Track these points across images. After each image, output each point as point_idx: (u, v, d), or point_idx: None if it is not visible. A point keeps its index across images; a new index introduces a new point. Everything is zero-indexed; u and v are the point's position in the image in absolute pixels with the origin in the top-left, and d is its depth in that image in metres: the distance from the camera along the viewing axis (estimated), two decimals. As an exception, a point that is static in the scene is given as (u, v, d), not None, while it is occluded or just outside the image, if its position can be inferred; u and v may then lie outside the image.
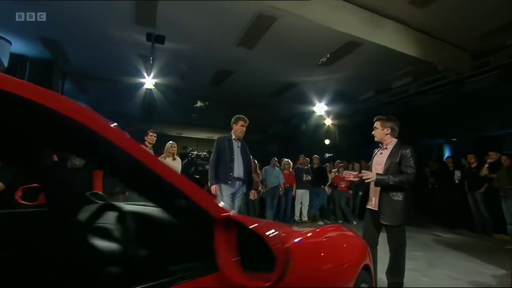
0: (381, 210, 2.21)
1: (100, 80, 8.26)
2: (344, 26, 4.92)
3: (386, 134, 2.31)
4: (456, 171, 5.98)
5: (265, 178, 5.82)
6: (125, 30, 5.54)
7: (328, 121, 9.44)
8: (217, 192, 3.01)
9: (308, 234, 1.08)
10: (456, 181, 5.96)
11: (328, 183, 6.36)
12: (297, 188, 6.09)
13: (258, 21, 5.14)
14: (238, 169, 3.06)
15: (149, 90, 7.72)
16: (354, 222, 5.88)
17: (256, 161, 5.86)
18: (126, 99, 8.82)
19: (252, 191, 3.30)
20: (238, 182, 3.09)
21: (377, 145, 2.46)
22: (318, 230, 1.28)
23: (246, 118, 3.18)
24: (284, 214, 6.02)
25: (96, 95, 9.75)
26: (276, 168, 5.97)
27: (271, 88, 8.52)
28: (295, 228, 1.41)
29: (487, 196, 5.19)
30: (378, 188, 2.22)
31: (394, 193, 2.16)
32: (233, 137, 3.18)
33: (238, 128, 3.14)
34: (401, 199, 2.15)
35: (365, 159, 6.15)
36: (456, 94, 6.78)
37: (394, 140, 2.31)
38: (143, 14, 5.09)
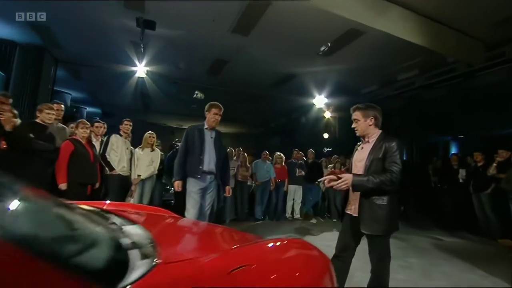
0: (362, 216, 1.83)
1: (93, 67, 8.01)
2: (345, 11, 4.51)
3: (370, 126, 1.93)
4: (460, 170, 5.56)
5: (255, 172, 5.52)
6: (116, 15, 5.24)
7: (328, 114, 9.02)
8: (180, 188, 2.71)
9: (243, 255, 0.76)
10: (461, 181, 5.55)
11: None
12: (290, 183, 5.77)
13: (252, 4, 4.78)
14: (209, 162, 2.74)
15: (141, 78, 7.44)
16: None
17: (246, 154, 5.58)
18: (120, 88, 8.60)
19: (227, 187, 2.97)
20: (209, 177, 2.77)
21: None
22: (265, 245, 0.95)
23: (220, 106, 2.85)
24: (275, 211, 5.72)
25: (91, 84, 9.54)
26: (267, 162, 5.66)
27: (270, 78, 8.14)
28: (240, 243, 1.08)
29: (493, 197, 4.79)
30: None
31: (377, 196, 1.78)
32: (206, 126, 2.86)
33: (211, 117, 2.81)
34: (385, 203, 1.76)
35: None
36: (466, 88, 6.29)
37: (378, 132, 1.95)
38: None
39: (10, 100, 2.48)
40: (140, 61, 6.96)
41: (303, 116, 10.30)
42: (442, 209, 5.82)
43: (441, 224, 5.59)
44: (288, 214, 5.85)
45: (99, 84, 9.40)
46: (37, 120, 2.88)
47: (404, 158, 9.67)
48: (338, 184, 1.77)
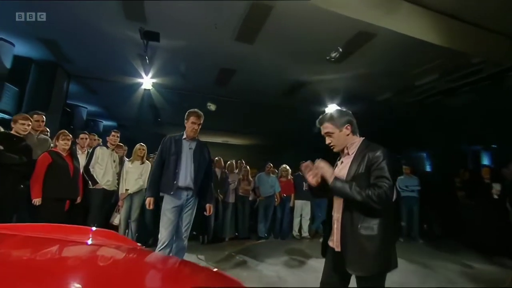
0: (345, 252, 1.40)
1: (103, 81, 8.16)
2: (353, 11, 4.20)
3: (347, 135, 1.53)
4: (494, 184, 4.85)
5: (258, 186, 5.13)
6: (119, 27, 5.24)
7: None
8: (152, 206, 2.40)
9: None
10: (495, 196, 4.83)
11: (334, 194, 5.51)
12: (296, 198, 5.32)
13: (253, 10, 4.57)
14: (185, 177, 2.42)
15: (147, 91, 7.44)
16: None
17: (248, 167, 5.24)
18: (130, 101, 8.72)
19: (208, 205, 2.63)
20: (185, 193, 2.44)
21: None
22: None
23: (199, 113, 2.55)
24: (280, 228, 5.26)
25: (104, 97, 9.76)
26: (272, 175, 5.26)
27: (280, 87, 7.88)
28: None
29: (536, 217, 4.08)
30: (340, 215, 1.45)
31: (365, 224, 1.34)
32: (184, 136, 2.56)
33: (189, 126, 2.51)
34: (375, 233, 1.33)
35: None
36: (495, 90, 5.63)
37: (358, 140, 1.54)
38: (131, 7, 4.73)
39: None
40: (146, 73, 6.97)
41: (317, 125, 9.87)
42: (473, 229, 5.07)
43: (471, 248, 4.84)
44: (295, 232, 5.36)
45: (111, 97, 9.60)
46: (12, 132, 2.75)
47: (428, 169, 8.87)
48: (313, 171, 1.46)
